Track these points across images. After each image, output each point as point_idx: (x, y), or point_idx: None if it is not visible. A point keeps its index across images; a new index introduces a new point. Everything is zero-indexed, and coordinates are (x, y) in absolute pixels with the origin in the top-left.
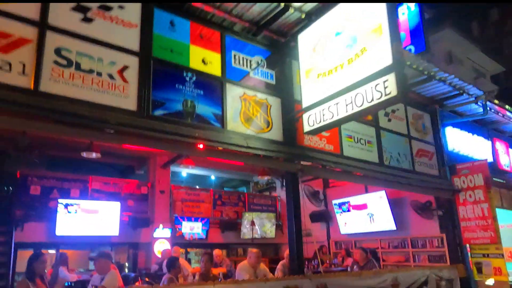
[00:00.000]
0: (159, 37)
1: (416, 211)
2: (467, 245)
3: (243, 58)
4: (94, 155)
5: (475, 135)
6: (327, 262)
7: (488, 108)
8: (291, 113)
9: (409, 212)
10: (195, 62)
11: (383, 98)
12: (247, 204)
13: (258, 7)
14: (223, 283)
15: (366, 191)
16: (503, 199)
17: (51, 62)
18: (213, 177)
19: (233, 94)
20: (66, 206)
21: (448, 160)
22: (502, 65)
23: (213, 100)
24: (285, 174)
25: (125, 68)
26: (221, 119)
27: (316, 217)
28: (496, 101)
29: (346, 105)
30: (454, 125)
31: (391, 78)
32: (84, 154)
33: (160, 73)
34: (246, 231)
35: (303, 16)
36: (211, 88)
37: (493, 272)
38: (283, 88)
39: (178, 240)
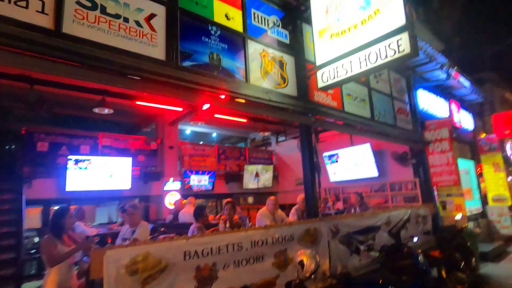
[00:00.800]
0: None
1: (395, 160)
2: (435, 187)
3: (261, 16)
4: (106, 110)
5: (438, 97)
6: (321, 206)
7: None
8: (303, 71)
9: (389, 161)
10: (218, 17)
11: (397, 55)
12: (247, 157)
13: None
14: (254, 229)
15: (352, 144)
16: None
17: (73, 2)
18: (214, 135)
19: (254, 50)
20: (76, 162)
21: (419, 117)
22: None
23: (236, 54)
24: (300, 126)
25: (152, 16)
26: (245, 73)
27: None
28: (456, 68)
29: (360, 63)
30: (424, 88)
31: (404, 37)
32: (97, 110)
33: (187, 24)
34: (249, 182)
35: None
36: (234, 43)
37: (455, 208)
38: (296, 47)
39: (187, 191)
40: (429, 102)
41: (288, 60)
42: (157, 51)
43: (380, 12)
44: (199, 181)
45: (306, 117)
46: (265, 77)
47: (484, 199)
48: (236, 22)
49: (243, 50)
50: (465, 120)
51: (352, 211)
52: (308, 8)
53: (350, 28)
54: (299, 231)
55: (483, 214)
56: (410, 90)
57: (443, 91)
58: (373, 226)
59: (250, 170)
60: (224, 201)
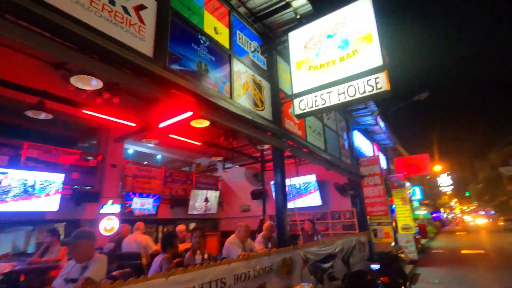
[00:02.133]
0: None
1: (337, 190)
2: (368, 217)
3: (244, 39)
4: (43, 115)
5: (366, 139)
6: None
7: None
8: (277, 98)
9: (331, 191)
10: (208, 28)
11: (375, 91)
12: (194, 182)
13: None
14: (237, 260)
15: (298, 174)
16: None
17: None
18: (159, 157)
19: (238, 68)
20: None
21: (356, 154)
22: None
23: (222, 69)
24: (273, 149)
25: (142, 7)
26: (229, 89)
27: (256, 194)
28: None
29: (339, 94)
30: (358, 130)
31: (382, 76)
32: (30, 114)
33: (178, 26)
34: (195, 207)
35: (298, 16)
36: (221, 57)
37: (384, 236)
38: (272, 75)
39: (127, 216)
40: (361, 142)
41: (266, 85)
42: (145, 45)
43: (359, 52)
44: (142, 204)
45: (281, 140)
46: (247, 97)
47: (395, 228)
48: (223, 38)
49: (229, 66)
50: (382, 161)
51: (306, 237)
52: (284, 41)
53: (329, 63)
54: (277, 261)
55: (395, 241)
56: (349, 130)
57: (368, 134)
58: (333, 253)
59: (198, 195)
60: (181, 228)
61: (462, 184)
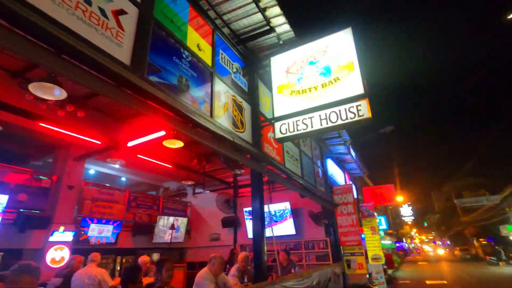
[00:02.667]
0: (161, 1)
1: (311, 219)
2: (342, 247)
3: (227, 59)
4: None
5: (338, 167)
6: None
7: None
8: (258, 121)
9: (304, 220)
10: (191, 44)
11: (357, 118)
12: (161, 208)
13: (246, 21)
14: None
15: (271, 202)
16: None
17: None
18: (123, 179)
19: (219, 87)
20: None
21: (329, 182)
22: None
23: (204, 86)
24: (252, 174)
25: (122, 12)
26: (210, 108)
27: (227, 222)
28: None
29: (321, 120)
30: (331, 159)
31: (363, 104)
32: None
33: (159, 38)
34: (161, 235)
35: (281, 42)
36: (203, 74)
37: (358, 267)
38: (253, 97)
39: (81, 245)
40: (334, 171)
41: (247, 107)
42: (122, 52)
43: (340, 80)
44: (100, 231)
45: (261, 164)
46: (227, 117)
47: (365, 259)
48: (206, 55)
49: (211, 84)
50: (353, 190)
51: (280, 269)
52: (266, 65)
53: (311, 88)
54: None
55: (369, 274)
56: (323, 158)
57: (340, 163)
58: (310, 287)
59: (164, 221)
60: (145, 259)
61: (421, 215)
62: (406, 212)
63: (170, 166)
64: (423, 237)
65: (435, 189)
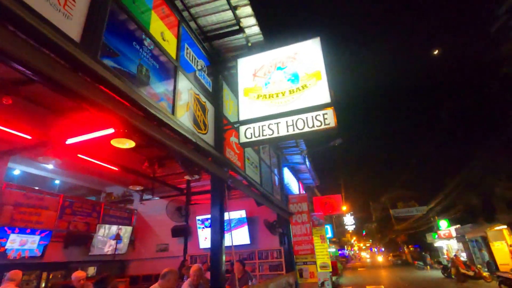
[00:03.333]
0: None
1: (267, 228)
2: (295, 256)
3: (192, 55)
4: None
5: (293, 176)
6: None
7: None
8: (221, 124)
9: (259, 229)
10: (155, 31)
11: (323, 126)
12: (101, 215)
13: (215, 17)
14: None
15: (226, 210)
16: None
17: None
18: (57, 181)
19: (183, 84)
20: None
21: (285, 191)
22: None
23: (166, 80)
24: (212, 180)
25: None
26: (172, 105)
27: (177, 231)
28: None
29: (288, 126)
30: (287, 167)
31: (330, 113)
32: None
33: (118, 17)
34: (99, 246)
35: (250, 44)
36: (166, 67)
37: (309, 276)
38: (217, 99)
39: None
40: (290, 180)
41: (210, 108)
42: (71, 26)
43: (308, 88)
44: (22, 243)
45: (223, 170)
46: (190, 116)
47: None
48: (170, 47)
49: (174, 79)
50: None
51: (235, 282)
52: (232, 67)
53: (278, 94)
54: None
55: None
56: (280, 167)
57: (295, 172)
58: None
59: (105, 231)
60: (80, 275)
61: (360, 224)
62: (349, 221)
63: (116, 169)
64: (361, 245)
65: (374, 199)
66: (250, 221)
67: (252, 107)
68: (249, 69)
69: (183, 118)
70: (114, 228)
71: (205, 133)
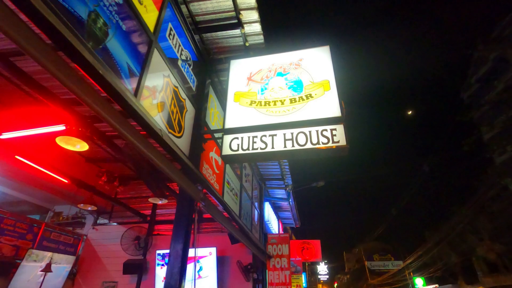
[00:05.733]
0: None
1: (241, 271)
2: None
3: (177, 40)
4: None
5: (274, 214)
6: None
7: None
8: (200, 130)
9: (230, 273)
10: None
11: (331, 144)
12: (39, 237)
13: (211, 4)
14: None
15: (193, 246)
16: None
17: None
18: None
19: (158, 66)
20: None
21: (264, 229)
22: None
23: (134, 50)
24: (180, 198)
25: None
26: (137, 84)
27: (130, 267)
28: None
29: (285, 140)
30: (269, 203)
31: (339, 129)
32: None
33: None
34: (25, 280)
35: (247, 44)
36: (137, 36)
37: None
38: (200, 101)
39: None
40: (271, 217)
41: (190, 109)
42: None
43: (314, 99)
44: None
45: (195, 187)
46: (160, 109)
47: None
48: (148, 17)
49: (146, 54)
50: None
51: None
52: (222, 71)
53: (276, 102)
54: None
55: None
56: (262, 201)
57: (276, 209)
58: None
59: (38, 258)
60: None
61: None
62: (323, 270)
63: (66, 181)
64: None
65: (348, 249)
66: (220, 261)
67: (242, 114)
68: (243, 71)
69: (151, 108)
70: (48, 256)
71: (179, 137)
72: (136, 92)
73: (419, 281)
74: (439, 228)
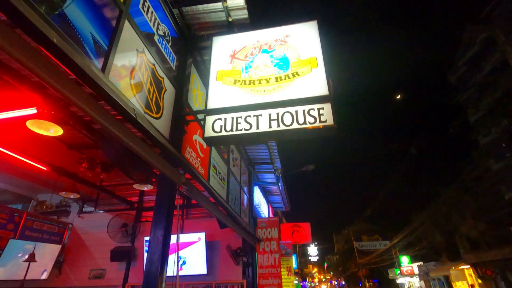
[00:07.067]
0: None
1: (230, 255)
2: None
3: (152, 13)
4: None
5: (263, 198)
6: None
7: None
8: (181, 112)
9: (219, 257)
10: None
11: (318, 123)
12: (21, 227)
13: None
14: None
15: (182, 231)
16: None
17: None
18: None
19: (129, 40)
20: None
21: (254, 213)
22: None
23: (100, 20)
24: (160, 184)
25: None
26: (103, 58)
27: (118, 254)
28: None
29: (271, 120)
30: (258, 187)
31: (327, 108)
32: None
33: None
34: (10, 269)
35: (230, 19)
36: (104, 4)
37: None
38: (180, 81)
39: None
40: (260, 201)
41: (169, 88)
42: None
43: (300, 76)
44: None
45: (176, 170)
46: (134, 88)
47: None
48: None
49: (114, 27)
50: (279, 224)
51: None
52: (204, 48)
53: (261, 80)
54: None
55: None
56: (251, 185)
57: (265, 194)
58: None
59: (20, 248)
60: None
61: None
62: (313, 251)
63: (44, 169)
64: (322, 277)
65: (338, 231)
66: (209, 246)
67: (226, 94)
68: (227, 48)
69: (123, 86)
70: (31, 246)
71: (157, 118)
72: (104, 68)
73: (404, 259)
74: (424, 209)
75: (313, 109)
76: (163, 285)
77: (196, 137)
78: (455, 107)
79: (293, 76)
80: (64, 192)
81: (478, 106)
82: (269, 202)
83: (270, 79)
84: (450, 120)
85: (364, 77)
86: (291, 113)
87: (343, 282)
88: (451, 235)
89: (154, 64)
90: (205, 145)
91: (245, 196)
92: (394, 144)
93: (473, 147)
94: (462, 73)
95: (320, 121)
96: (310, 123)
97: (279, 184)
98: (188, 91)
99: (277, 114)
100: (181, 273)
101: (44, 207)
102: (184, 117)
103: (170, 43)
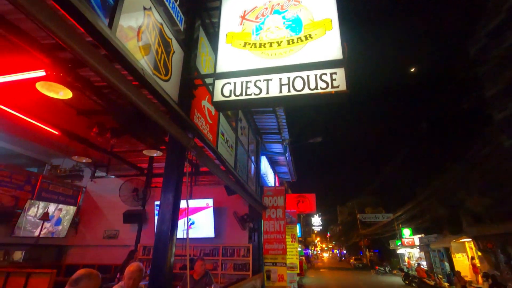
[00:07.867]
0: None
1: (237, 221)
2: (264, 256)
3: None
4: None
5: (270, 167)
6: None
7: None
8: (190, 75)
9: (227, 222)
10: None
11: (329, 89)
12: (37, 189)
13: None
14: None
15: (191, 197)
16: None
17: None
18: None
19: None
20: None
21: (261, 182)
22: None
23: None
24: (170, 148)
25: None
26: (111, 14)
27: (129, 217)
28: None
29: (281, 85)
30: (265, 156)
31: (340, 72)
32: None
33: None
34: (28, 226)
35: None
36: None
37: (278, 278)
38: (189, 43)
39: None
40: (267, 170)
41: (177, 50)
42: None
43: (314, 39)
44: None
45: (185, 134)
46: (143, 49)
47: None
48: None
49: None
50: (285, 193)
51: (192, 284)
52: (213, 9)
53: (272, 43)
54: None
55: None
56: (258, 155)
57: (272, 164)
58: None
59: (38, 209)
60: None
61: (326, 225)
62: (317, 221)
63: (56, 133)
64: (324, 246)
65: (342, 203)
66: (217, 212)
67: (235, 57)
68: (237, 9)
69: (130, 44)
70: (51, 207)
71: (166, 80)
72: (111, 24)
73: (406, 231)
74: (430, 183)
75: (326, 74)
76: (173, 245)
77: (205, 103)
78: (471, 80)
79: (306, 39)
80: (76, 156)
81: (497, 80)
82: (275, 172)
83: (282, 42)
84: (465, 95)
85: (378, 46)
86: (302, 78)
87: (345, 251)
88: (454, 209)
89: (162, 24)
90: (213, 112)
91: (253, 165)
92: (404, 118)
93: (486, 123)
94: (483, 45)
95: (333, 86)
96: (322, 88)
97: (286, 154)
98: (197, 55)
99: (288, 78)
100: (190, 234)
101: (58, 171)
102: (193, 80)
103: (178, 2)
